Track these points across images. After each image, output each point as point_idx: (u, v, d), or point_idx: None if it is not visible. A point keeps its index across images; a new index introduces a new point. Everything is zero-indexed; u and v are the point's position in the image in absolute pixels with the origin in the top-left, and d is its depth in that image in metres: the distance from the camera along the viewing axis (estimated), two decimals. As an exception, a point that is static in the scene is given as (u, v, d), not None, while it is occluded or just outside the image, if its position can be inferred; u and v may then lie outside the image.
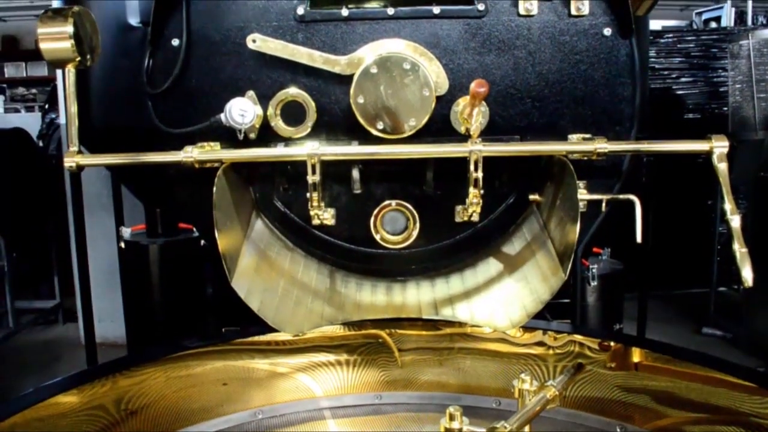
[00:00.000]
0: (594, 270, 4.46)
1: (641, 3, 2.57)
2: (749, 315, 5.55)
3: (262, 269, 2.21)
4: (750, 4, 7.45)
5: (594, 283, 4.44)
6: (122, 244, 4.50)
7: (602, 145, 2.15)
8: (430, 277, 2.39)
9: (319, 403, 2.29)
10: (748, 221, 5.63)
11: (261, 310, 2.06)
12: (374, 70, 2.16)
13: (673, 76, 6.71)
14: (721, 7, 7.61)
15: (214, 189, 2.06)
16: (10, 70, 18.94)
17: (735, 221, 2.08)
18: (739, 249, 2.04)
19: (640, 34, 4.19)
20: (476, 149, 2.11)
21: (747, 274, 2.01)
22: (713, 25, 7.90)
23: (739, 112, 5.64)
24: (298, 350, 2.27)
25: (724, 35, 6.66)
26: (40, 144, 7.24)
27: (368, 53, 2.22)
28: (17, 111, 12.85)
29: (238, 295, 2.02)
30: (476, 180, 2.14)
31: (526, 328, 2.24)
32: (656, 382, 2.08)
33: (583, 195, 2.31)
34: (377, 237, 2.36)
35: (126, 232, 4.53)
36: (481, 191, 2.15)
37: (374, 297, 2.32)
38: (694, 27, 7.96)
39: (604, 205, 2.34)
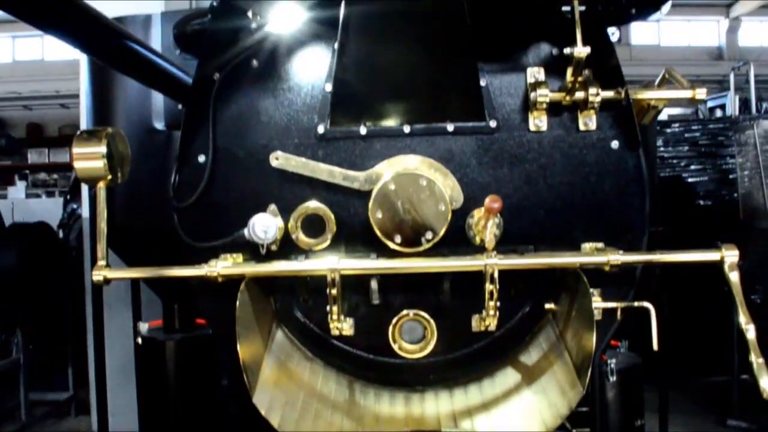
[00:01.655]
0: (612, 364, 4.40)
1: (646, 114, 2.68)
2: (774, 406, 5.41)
3: (282, 381, 2.23)
4: (753, 92, 7.65)
5: (613, 378, 4.37)
6: (139, 340, 4.53)
7: (615, 257, 2.19)
8: (448, 387, 2.40)
9: None
10: (763, 310, 5.59)
11: (281, 426, 2.07)
12: (392, 186, 2.25)
13: (682, 164, 6.83)
14: (725, 95, 7.80)
15: (237, 303, 2.12)
16: (33, 156, 19.60)
17: (750, 332, 2.10)
18: (756, 360, 2.04)
19: (648, 130, 4.33)
20: (491, 263, 2.16)
21: (765, 384, 2.01)
22: (718, 112, 8.08)
23: (749, 200, 5.70)
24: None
25: (729, 123, 6.81)
26: (60, 233, 7.38)
27: (386, 169, 2.32)
28: (38, 196, 13.19)
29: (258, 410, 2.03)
30: (491, 292, 2.18)
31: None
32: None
33: (597, 303, 2.36)
34: (395, 346, 2.39)
35: (143, 327, 4.56)
36: (498, 303, 2.19)
37: (393, 408, 2.32)
38: (700, 115, 8.15)
39: (619, 313, 2.38)
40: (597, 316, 2.39)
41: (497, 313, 2.21)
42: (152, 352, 4.48)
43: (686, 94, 2.42)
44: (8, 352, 5.49)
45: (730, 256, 2.20)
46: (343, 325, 2.31)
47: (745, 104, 8.13)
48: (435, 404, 2.34)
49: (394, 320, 2.38)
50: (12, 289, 5.38)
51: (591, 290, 2.37)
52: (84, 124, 4.90)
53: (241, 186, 2.43)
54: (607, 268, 2.21)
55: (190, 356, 4.35)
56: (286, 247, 2.38)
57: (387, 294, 2.39)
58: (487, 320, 2.22)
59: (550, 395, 2.16)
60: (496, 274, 2.16)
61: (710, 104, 8.40)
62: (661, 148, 6.83)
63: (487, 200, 2.16)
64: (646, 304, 2.38)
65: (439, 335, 2.38)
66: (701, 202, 6.85)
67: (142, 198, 3.78)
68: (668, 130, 6.91)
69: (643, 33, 19.87)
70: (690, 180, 6.96)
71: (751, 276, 5.78)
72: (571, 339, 2.21)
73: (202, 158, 2.43)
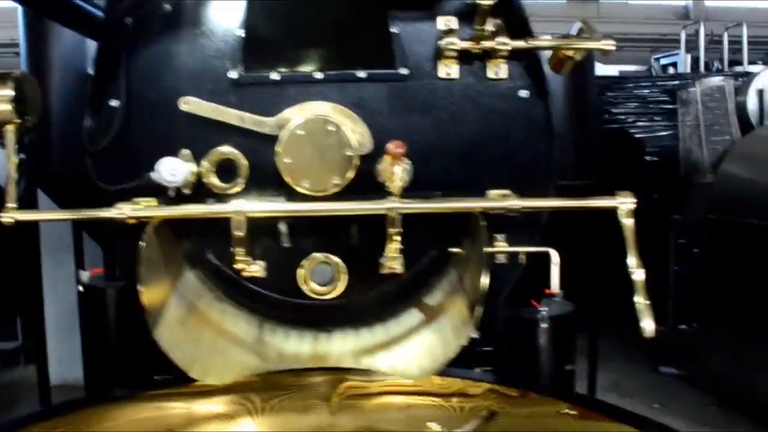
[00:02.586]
0: (544, 312, 4.55)
1: (564, 65, 2.73)
2: (704, 354, 5.66)
3: (190, 321, 2.30)
4: (702, 52, 7.75)
5: (545, 325, 4.53)
6: (80, 288, 4.55)
7: (513, 202, 2.27)
8: (355, 327, 2.48)
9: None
10: (700, 262, 5.80)
11: (182, 361, 2.14)
12: (299, 131, 2.29)
13: (630, 120, 6.94)
14: (677, 54, 7.91)
15: (141, 245, 2.16)
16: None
17: (638, 275, 2.21)
18: (642, 301, 2.16)
19: (587, 82, 4.39)
20: (393, 206, 2.23)
21: (647, 325, 2.13)
22: (671, 70, 8.19)
23: (689, 156, 5.84)
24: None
25: (678, 81, 6.91)
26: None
27: (295, 115, 2.35)
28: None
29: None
30: (393, 235, 2.26)
31: (447, 377, 2.32)
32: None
33: (500, 247, 2.45)
34: (305, 288, 2.46)
35: (84, 275, 4.58)
36: (400, 246, 2.26)
37: (300, 347, 2.41)
38: (653, 72, 8.24)
39: (522, 257, 2.48)
40: (502, 260, 2.50)
41: (399, 256, 2.28)
42: (93, 300, 4.52)
43: (594, 45, 2.47)
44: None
45: (625, 203, 2.29)
46: (252, 267, 2.36)
47: (697, 63, 8.26)
48: (341, 343, 2.43)
49: (305, 262, 2.44)
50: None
51: (496, 235, 2.47)
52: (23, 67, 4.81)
53: (154, 131, 2.44)
54: (507, 213, 2.29)
55: (131, 303, 4.39)
56: (200, 193, 2.41)
57: (298, 237, 2.45)
58: (391, 263, 2.29)
59: (445, 334, 2.26)
60: (397, 218, 2.23)
61: (663, 62, 8.50)
62: (612, 103, 6.93)
63: (390, 145, 2.22)
64: (548, 249, 2.49)
65: (348, 278, 2.46)
66: (647, 158, 6.99)
67: (78, 144, 3.77)
68: (619, 86, 6.99)
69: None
70: (638, 135, 7.09)
71: (691, 228, 5.97)
72: (468, 281, 2.30)
73: (115, 103, 2.43)
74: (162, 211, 2.27)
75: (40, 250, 4.37)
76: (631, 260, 2.22)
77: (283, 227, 2.39)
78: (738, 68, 7.78)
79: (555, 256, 2.47)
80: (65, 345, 5.47)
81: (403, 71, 2.41)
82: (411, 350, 2.31)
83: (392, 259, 2.28)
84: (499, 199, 2.32)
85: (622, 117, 6.93)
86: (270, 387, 2.23)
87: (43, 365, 4.34)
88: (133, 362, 4.45)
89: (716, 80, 5.74)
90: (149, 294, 2.12)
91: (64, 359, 5.64)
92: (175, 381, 2.35)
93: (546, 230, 2.58)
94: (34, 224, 4.46)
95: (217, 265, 2.46)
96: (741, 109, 5.88)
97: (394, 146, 2.20)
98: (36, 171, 3.85)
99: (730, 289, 5.31)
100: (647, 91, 6.93)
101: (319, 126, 2.29)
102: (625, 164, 6.87)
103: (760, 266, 5.03)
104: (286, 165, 2.30)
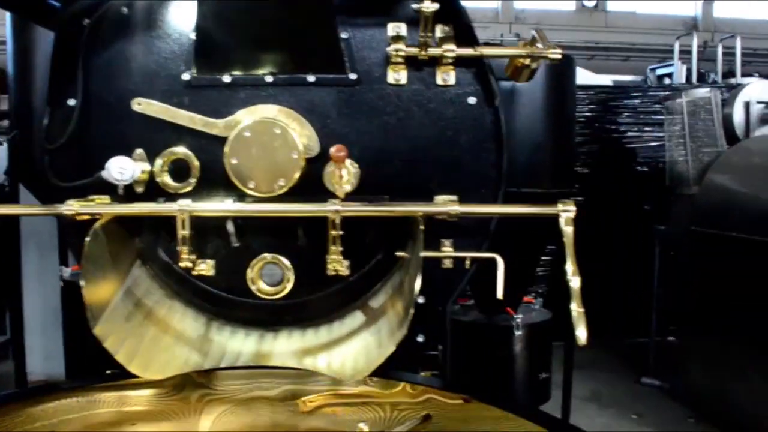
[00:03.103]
0: (518, 319, 4.57)
1: (520, 73, 2.75)
2: (684, 366, 5.64)
3: (135, 317, 2.34)
4: (695, 63, 7.74)
5: (518, 332, 4.55)
6: (62, 283, 4.62)
7: (454, 207, 2.30)
8: (302, 327, 2.52)
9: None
10: (683, 274, 5.79)
11: (121, 356, 2.18)
12: (246, 133, 2.33)
13: (621, 130, 6.94)
14: (672, 65, 7.89)
15: (86, 241, 2.21)
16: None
17: (575, 282, 2.22)
18: (576, 309, 2.18)
19: (567, 89, 4.40)
20: (334, 209, 2.26)
21: (581, 333, 2.15)
22: (666, 80, 8.17)
23: (675, 167, 5.84)
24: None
25: (669, 92, 6.91)
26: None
27: (244, 117, 2.39)
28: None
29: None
30: (335, 238, 2.29)
31: (392, 381, 2.35)
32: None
33: (446, 252, 2.48)
34: (253, 288, 2.50)
35: (66, 271, 4.65)
36: (341, 248, 2.30)
37: (244, 345, 2.44)
38: (648, 82, 8.23)
39: (468, 262, 2.50)
40: (448, 264, 2.53)
41: (340, 258, 2.32)
42: (74, 295, 4.59)
43: (542, 53, 2.49)
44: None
45: (565, 211, 2.31)
46: (200, 266, 2.40)
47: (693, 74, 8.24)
48: (286, 343, 2.46)
49: (253, 262, 2.48)
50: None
51: (443, 240, 2.50)
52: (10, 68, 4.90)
53: (110, 130, 2.49)
54: (448, 218, 2.32)
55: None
56: (153, 191, 2.46)
57: (248, 238, 2.49)
58: (334, 264, 2.33)
59: (382, 336, 2.28)
60: (338, 221, 2.27)
61: (659, 72, 8.49)
62: (602, 114, 6.94)
63: (332, 149, 2.25)
64: (494, 255, 2.51)
65: (296, 279, 2.49)
66: (638, 168, 7.00)
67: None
68: (609, 96, 7.00)
69: (619, 1, 19.76)
70: (630, 146, 7.10)
71: (675, 239, 5.96)
72: (407, 284, 2.33)
73: (72, 102, 2.49)
74: (109, 208, 2.32)
75: (20, 245, 4.43)
76: (569, 267, 2.24)
77: (230, 227, 2.43)
78: (732, 80, 7.76)
79: (500, 263, 2.48)
80: (50, 340, 5.55)
81: (353, 76, 2.45)
82: (349, 351, 2.34)
83: (335, 261, 2.32)
84: (443, 204, 2.35)
85: (614, 127, 6.94)
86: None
87: (20, 360, 4.39)
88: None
89: (703, 92, 5.73)
90: (92, 290, 2.16)
91: (49, 354, 5.73)
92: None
93: (495, 237, 2.61)
94: (15, 220, 4.55)
95: (168, 263, 2.50)
96: (728, 121, 5.87)
97: (335, 150, 2.24)
98: (18, 169, 3.93)
99: (711, 302, 5.30)
100: (638, 101, 6.93)
101: (265, 128, 2.33)
102: (618, 174, 6.89)
103: (740, 279, 5.02)
104: (232, 166, 2.34)
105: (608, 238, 6.70)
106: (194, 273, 2.46)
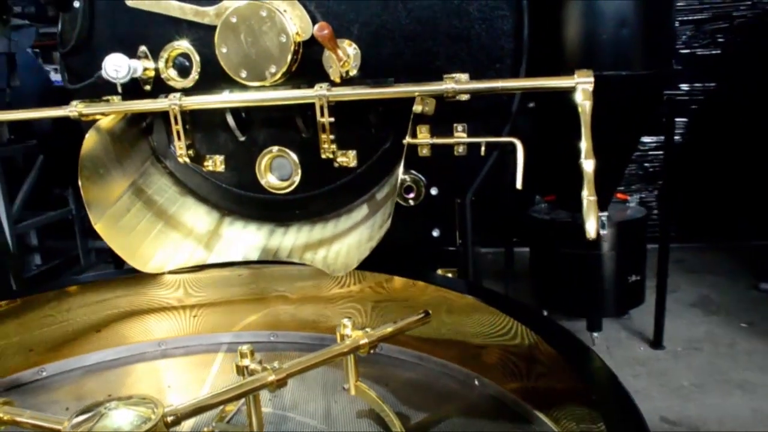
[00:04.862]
0: (604, 217, 4.20)
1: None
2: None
3: (143, 214, 2.38)
4: None
5: (605, 231, 4.20)
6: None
7: (451, 86, 2.06)
8: (312, 222, 2.44)
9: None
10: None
11: (121, 250, 2.23)
12: (233, 18, 2.21)
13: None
14: None
15: (85, 139, 2.24)
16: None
17: (588, 165, 1.93)
18: (587, 197, 1.89)
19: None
20: (320, 94, 2.11)
21: (590, 226, 1.87)
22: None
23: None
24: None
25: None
26: None
27: (234, 2, 2.26)
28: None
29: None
30: (324, 125, 2.15)
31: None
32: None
33: (459, 137, 2.26)
34: (263, 182, 2.44)
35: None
36: (332, 136, 2.16)
37: (252, 241, 2.41)
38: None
39: (483, 149, 2.26)
40: (461, 151, 2.31)
41: (332, 146, 2.18)
42: None
43: None
44: (65, 203, 6.10)
45: (583, 82, 1.99)
46: (211, 163, 2.41)
47: None
48: (294, 237, 2.40)
49: (260, 156, 2.42)
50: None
51: (456, 125, 2.27)
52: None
53: (115, 30, 2.47)
54: (451, 98, 2.08)
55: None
56: (160, 87, 2.45)
57: (254, 131, 2.43)
58: (326, 154, 2.20)
59: (373, 230, 2.15)
60: (326, 107, 2.12)
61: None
62: None
63: (315, 28, 2.08)
64: (513, 139, 2.24)
65: (303, 171, 2.40)
66: None
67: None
68: None
69: None
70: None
71: None
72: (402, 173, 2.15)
73: (77, 3, 2.49)
74: (107, 107, 2.33)
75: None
76: (583, 147, 1.94)
77: (230, 120, 2.36)
78: None
79: (520, 148, 2.22)
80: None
81: None
82: (344, 245, 2.23)
83: (327, 151, 2.19)
84: (443, 83, 2.11)
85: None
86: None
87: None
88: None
89: None
90: (91, 188, 2.20)
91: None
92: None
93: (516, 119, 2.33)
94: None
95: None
96: None
97: (318, 29, 2.06)
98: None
99: None
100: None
101: (251, 12, 2.19)
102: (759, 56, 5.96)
103: None
104: (223, 55, 2.24)
105: (741, 129, 5.88)
106: (206, 169, 2.45)
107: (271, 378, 1.50)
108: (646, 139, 6.03)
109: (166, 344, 2.46)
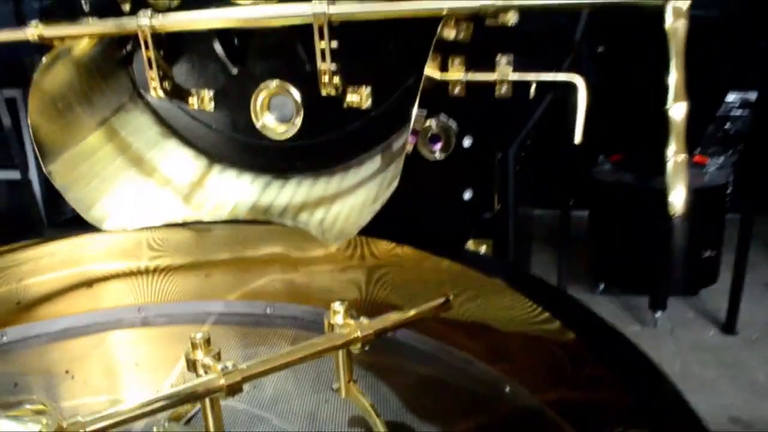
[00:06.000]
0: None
1: None
2: None
3: (112, 157, 1.97)
4: None
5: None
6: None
7: (490, 2, 1.53)
8: (315, 175, 1.99)
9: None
10: None
11: (77, 201, 1.83)
12: None
13: None
14: None
15: (39, 68, 1.83)
16: None
17: (678, 110, 1.40)
18: (675, 155, 1.37)
19: None
20: (318, 11, 1.62)
21: (677, 196, 1.36)
22: None
23: None
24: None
25: None
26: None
27: None
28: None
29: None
30: (324, 52, 1.67)
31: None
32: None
33: (503, 74, 1.75)
34: (258, 125, 2.00)
35: None
36: (332, 65, 1.68)
37: (243, 196, 1.99)
38: None
39: (533, 89, 1.74)
40: (504, 92, 1.79)
41: (334, 79, 1.71)
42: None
43: None
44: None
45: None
46: (197, 99, 1.98)
47: None
48: (292, 193, 1.96)
49: (256, 92, 1.97)
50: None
51: (498, 57, 1.76)
52: None
53: None
54: (487, 14, 1.57)
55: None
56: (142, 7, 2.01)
57: (250, 63, 1.97)
58: (326, 89, 1.73)
59: (381, 189, 1.68)
60: (326, 28, 1.63)
61: None
62: None
63: None
64: (573, 76, 1.72)
65: (307, 113, 1.94)
66: None
67: None
68: None
69: None
70: None
71: None
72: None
73: None
74: (69, 29, 1.90)
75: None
76: (674, 83, 1.40)
77: (218, 47, 1.92)
78: None
79: (581, 87, 1.69)
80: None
81: None
82: (346, 206, 1.78)
83: (328, 86, 1.72)
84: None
85: None
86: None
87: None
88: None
89: None
90: (46, 126, 1.80)
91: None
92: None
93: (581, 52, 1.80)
94: None
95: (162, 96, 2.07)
96: None
97: None
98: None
99: None
100: None
101: None
102: None
103: None
104: (208, -34, 1.78)
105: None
106: (191, 106, 2.03)
107: (221, 382, 1.13)
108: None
109: (147, 311, 2.11)
